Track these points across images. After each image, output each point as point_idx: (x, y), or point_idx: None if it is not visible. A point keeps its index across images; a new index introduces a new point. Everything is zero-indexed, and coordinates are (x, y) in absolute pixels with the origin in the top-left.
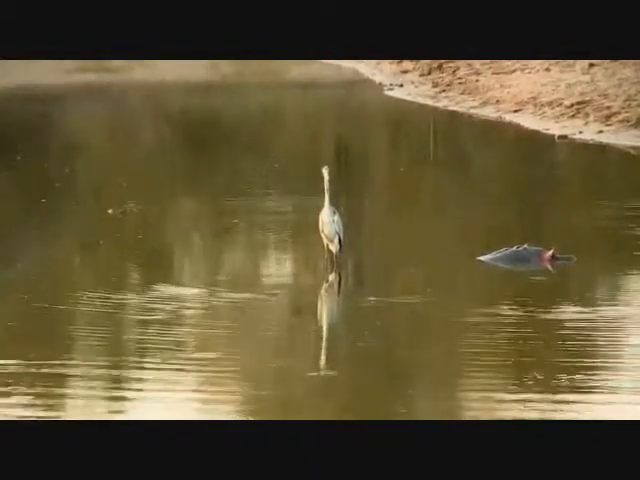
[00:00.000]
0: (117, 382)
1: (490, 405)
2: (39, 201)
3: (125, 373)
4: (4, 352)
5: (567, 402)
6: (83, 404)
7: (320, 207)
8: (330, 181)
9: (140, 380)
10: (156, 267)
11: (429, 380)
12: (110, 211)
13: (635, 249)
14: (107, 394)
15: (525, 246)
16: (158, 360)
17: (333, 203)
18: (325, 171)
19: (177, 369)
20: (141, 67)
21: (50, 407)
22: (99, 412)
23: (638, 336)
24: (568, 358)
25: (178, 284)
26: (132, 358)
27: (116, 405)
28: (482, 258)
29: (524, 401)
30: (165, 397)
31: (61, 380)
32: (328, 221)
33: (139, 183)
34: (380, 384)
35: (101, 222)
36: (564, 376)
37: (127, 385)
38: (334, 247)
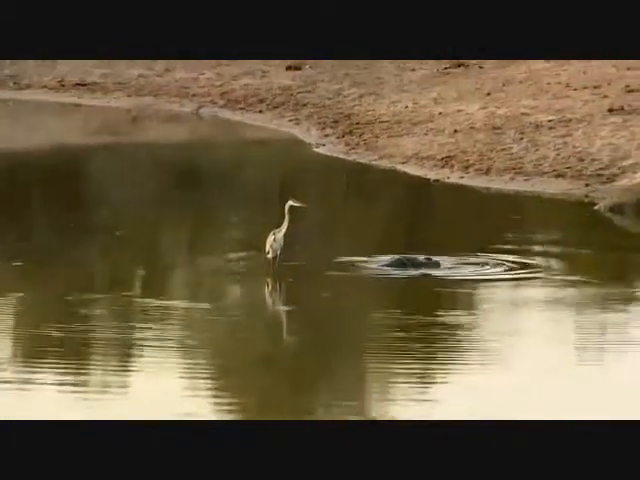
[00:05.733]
0: (105, 385)
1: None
2: (69, 224)
3: (110, 375)
4: None
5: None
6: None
7: (269, 227)
8: (289, 211)
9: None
10: (147, 276)
11: (331, 382)
12: (118, 232)
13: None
14: (98, 396)
15: (406, 255)
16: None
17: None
18: (288, 203)
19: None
20: (141, 131)
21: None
22: (83, 413)
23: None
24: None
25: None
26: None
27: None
28: (373, 265)
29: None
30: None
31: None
32: (278, 238)
33: (139, 213)
34: (284, 387)
35: (112, 240)
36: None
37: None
38: (277, 257)
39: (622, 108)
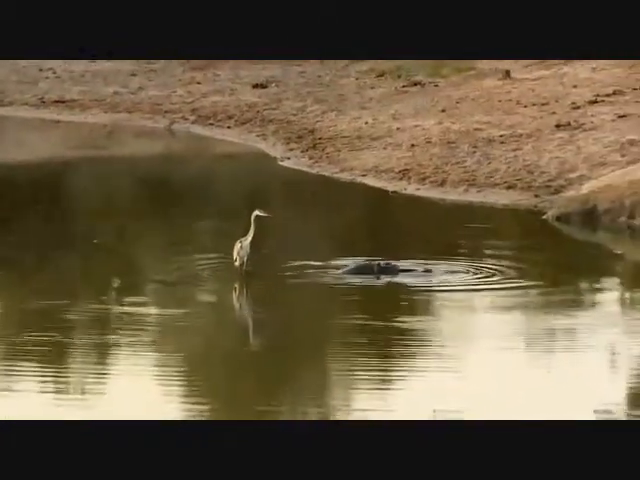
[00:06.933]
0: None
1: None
2: (50, 234)
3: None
4: None
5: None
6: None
7: (236, 236)
8: (255, 221)
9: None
10: (121, 283)
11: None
12: (95, 240)
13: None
14: (75, 395)
15: (367, 260)
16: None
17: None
18: (255, 213)
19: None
20: (117, 145)
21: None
22: (65, 413)
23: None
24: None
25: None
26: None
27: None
28: (338, 271)
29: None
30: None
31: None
32: (245, 245)
33: (116, 222)
34: (250, 389)
35: (90, 247)
36: None
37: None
38: (244, 264)
39: (569, 124)
